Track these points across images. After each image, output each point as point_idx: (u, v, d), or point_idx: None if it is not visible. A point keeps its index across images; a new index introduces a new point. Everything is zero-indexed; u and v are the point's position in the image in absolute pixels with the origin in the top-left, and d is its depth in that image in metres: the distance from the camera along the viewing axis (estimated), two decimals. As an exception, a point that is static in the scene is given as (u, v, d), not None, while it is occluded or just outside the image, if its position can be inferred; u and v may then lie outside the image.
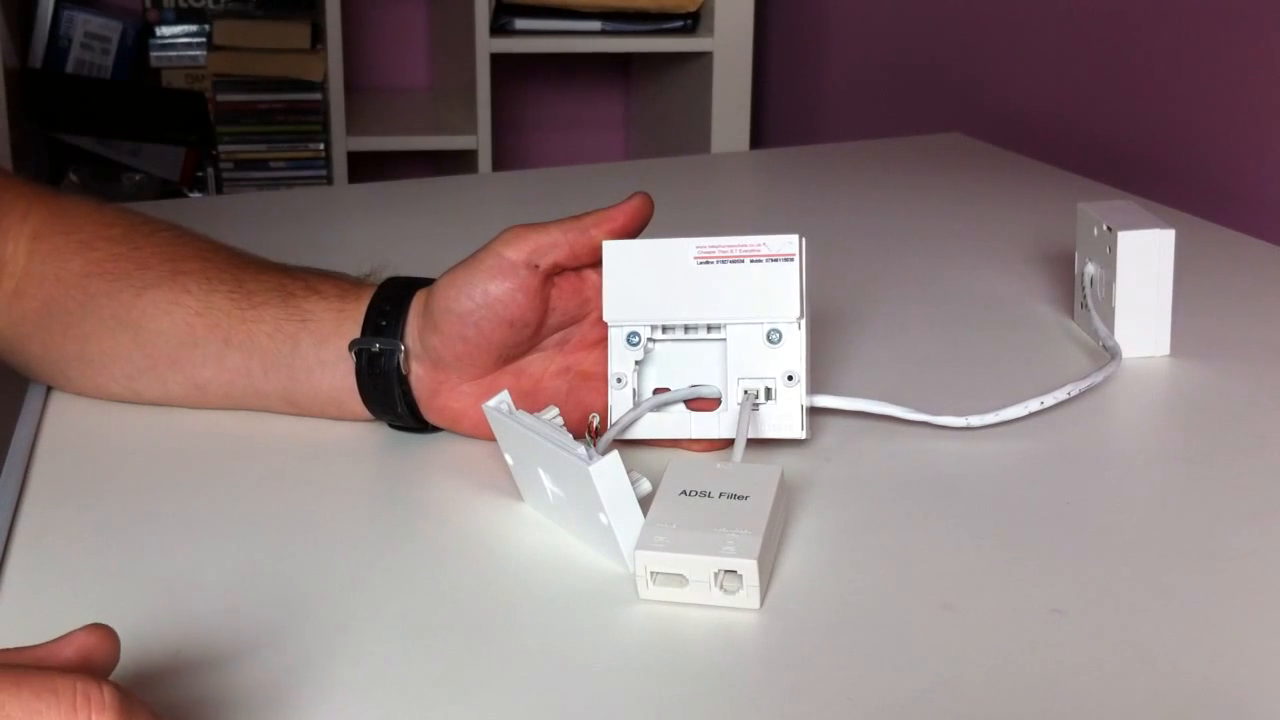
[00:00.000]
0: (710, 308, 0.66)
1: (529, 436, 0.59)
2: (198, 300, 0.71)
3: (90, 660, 0.42)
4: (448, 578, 0.58)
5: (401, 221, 1.12)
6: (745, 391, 0.66)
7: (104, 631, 0.42)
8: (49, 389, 0.76)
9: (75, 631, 0.42)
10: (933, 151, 1.35)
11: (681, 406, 0.67)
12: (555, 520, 0.62)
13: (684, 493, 0.58)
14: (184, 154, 2.35)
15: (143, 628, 0.54)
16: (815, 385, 0.70)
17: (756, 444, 0.66)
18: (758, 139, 2.21)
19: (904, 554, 0.60)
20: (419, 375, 0.68)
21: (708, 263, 0.66)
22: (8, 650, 0.42)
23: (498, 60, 2.14)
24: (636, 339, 0.67)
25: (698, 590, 0.55)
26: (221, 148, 2.30)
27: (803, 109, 2.15)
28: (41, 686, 0.38)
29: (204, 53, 2.34)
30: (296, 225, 1.11)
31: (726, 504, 0.57)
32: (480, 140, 2.17)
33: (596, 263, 0.67)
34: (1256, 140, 1.20)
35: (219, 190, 2.32)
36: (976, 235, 1.07)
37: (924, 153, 1.35)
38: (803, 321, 0.66)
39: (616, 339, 0.67)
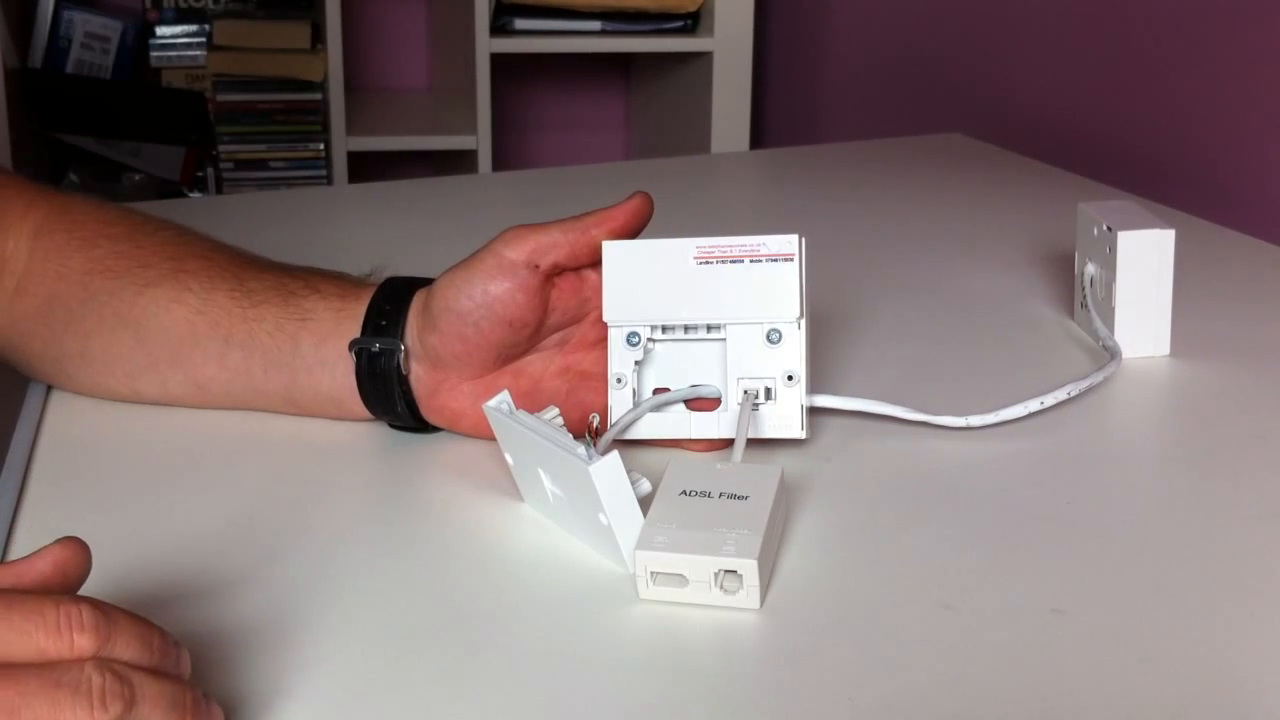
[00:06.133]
0: (710, 308, 0.66)
1: (529, 436, 0.59)
2: (199, 299, 0.71)
3: (64, 572, 0.45)
4: (448, 578, 0.58)
5: (401, 221, 1.12)
6: (745, 391, 0.66)
7: (76, 545, 0.45)
8: (49, 388, 0.76)
9: (49, 546, 0.45)
10: (933, 151, 1.35)
11: (681, 406, 0.67)
12: (555, 520, 0.62)
13: (684, 493, 0.58)
14: (184, 154, 2.35)
15: (143, 627, 0.54)
16: (815, 385, 0.70)
17: (756, 444, 0.66)
18: (758, 139, 2.21)
19: (904, 554, 0.60)
20: (419, 375, 0.68)
21: (707, 263, 0.66)
22: None
23: (498, 60, 2.14)
24: (636, 339, 0.67)
25: (698, 590, 0.55)
26: (221, 147, 2.30)
27: (803, 109, 2.15)
28: (29, 609, 0.41)
29: (204, 53, 2.34)
30: (296, 225, 1.11)
31: (726, 504, 0.57)
32: (480, 140, 2.17)
33: (596, 263, 0.67)
34: (1256, 140, 1.20)
35: (219, 190, 2.32)
36: (976, 235, 1.07)
37: (924, 153, 1.35)
38: (802, 321, 0.66)
39: (616, 339, 0.67)
